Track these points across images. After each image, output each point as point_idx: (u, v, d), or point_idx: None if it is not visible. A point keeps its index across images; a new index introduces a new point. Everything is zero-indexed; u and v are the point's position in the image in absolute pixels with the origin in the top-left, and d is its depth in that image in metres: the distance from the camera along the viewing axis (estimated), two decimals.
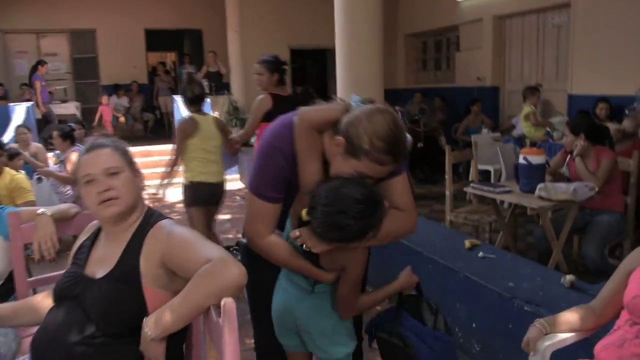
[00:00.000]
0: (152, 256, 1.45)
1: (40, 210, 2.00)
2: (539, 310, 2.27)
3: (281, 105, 3.33)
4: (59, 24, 10.60)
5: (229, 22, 9.35)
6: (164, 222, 1.52)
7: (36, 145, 5.49)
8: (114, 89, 10.42)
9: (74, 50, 11.02)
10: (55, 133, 4.67)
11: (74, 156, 4.60)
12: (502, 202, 3.87)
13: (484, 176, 6.31)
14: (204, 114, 3.51)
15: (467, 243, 3.10)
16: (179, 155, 3.42)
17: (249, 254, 1.65)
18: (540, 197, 2.99)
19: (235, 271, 1.28)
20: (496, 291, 2.51)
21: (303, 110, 1.55)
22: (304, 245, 1.46)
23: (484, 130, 6.96)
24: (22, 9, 9.83)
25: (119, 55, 10.78)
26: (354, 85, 4.37)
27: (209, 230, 3.58)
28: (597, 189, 3.00)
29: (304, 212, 1.44)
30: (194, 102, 3.45)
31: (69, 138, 4.67)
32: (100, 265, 1.51)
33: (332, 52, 4.54)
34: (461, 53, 8.73)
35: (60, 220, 2.01)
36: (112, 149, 1.54)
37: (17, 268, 2.05)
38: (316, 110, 1.54)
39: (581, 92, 6.17)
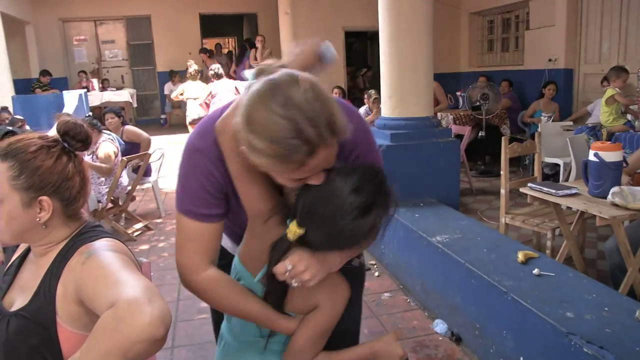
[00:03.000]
0: (68, 289, 1.12)
1: None
2: (603, 353, 1.78)
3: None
4: (115, 11, 10.69)
5: (280, 4, 8.99)
6: (88, 246, 1.16)
7: None
8: (169, 76, 10.38)
9: (130, 37, 11.10)
10: None
11: (104, 145, 4.45)
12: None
13: (553, 170, 5.64)
14: None
15: (521, 255, 2.60)
16: None
17: None
18: (614, 205, 2.43)
19: (142, 321, 0.90)
20: (550, 323, 2.02)
21: (224, 117, 1.12)
22: (293, 281, 1.04)
23: (543, 118, 6.23)
24: None
25: (174, 41, 10.74)
26: (398, 68, 3.91)
27: None
28: None
29: (293, 226, 1.03)
30: None
31: (94, 128, 4.50)
32: (20, 293, 1.21)
33: None
34: (531, 32, 7.91)
35: None
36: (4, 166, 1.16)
37: None
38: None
39: None
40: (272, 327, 1.15)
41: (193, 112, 7.10)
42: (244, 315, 1.16)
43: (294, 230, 1.03)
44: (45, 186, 1.16)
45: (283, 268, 1.03)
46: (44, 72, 9.52)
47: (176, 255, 1.20)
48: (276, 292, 1.12)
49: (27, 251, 1.31)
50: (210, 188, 1.13)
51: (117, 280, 1.02)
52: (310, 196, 1.02)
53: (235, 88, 6.99)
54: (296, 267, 1.02)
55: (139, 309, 0.91)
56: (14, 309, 1.18)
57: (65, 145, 1.22)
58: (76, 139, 1.23)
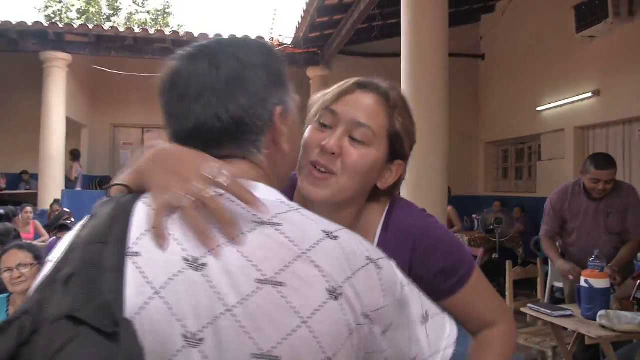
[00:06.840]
0: None
1: None
2: None
3: None
4: (163, 120, 11.69)
5: None
6: None
7: None
8: None
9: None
10: None
11: None
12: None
13: (561, 293, 5.83)
14: None
15: None
16: None
17: None
18: (602, 326, 2.71)
19: None
20: None
21: None
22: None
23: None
24: (132, 107, 11.04)
25: None
26: (416, 189, 4.38)
27: None
28: None
29: None
30: None
31: None
32: None
33: None
34: (543, 162, 8.48)
35: None
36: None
37: None
38: None
39: None
40: None
41: None
42: None
43: None
44: None
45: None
46: (105, 179, 10.33)
47: None
48: None
49: None
50: None
51: None
52: None
53: None
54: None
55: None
56: None
57: None
58: None
